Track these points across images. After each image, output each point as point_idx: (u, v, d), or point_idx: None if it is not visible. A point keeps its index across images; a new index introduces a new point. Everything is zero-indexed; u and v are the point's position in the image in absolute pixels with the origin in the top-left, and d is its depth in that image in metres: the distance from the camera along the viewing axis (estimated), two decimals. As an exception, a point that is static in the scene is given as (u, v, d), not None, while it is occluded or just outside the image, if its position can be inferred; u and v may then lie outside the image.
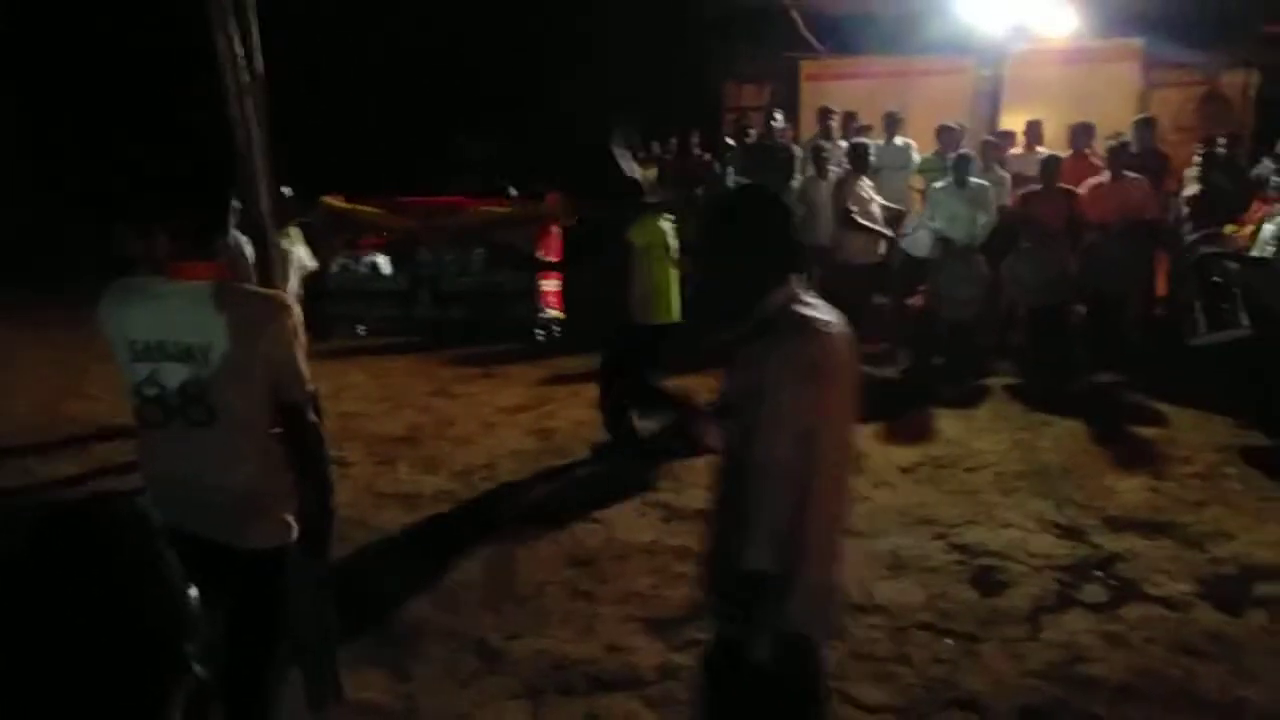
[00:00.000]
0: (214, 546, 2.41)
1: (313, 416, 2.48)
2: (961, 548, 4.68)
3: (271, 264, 2.78)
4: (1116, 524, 4.93)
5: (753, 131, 10.19)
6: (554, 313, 8.78)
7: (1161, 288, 8.53)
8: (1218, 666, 3.65)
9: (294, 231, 5.97)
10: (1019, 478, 5.58)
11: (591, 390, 6.37)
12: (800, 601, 2.08)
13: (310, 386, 2.46)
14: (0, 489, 5.43)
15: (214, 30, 2.63)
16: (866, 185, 7.80)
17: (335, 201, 8.71)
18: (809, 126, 10.61)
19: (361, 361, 8.34)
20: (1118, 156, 7.76)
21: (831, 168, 8.69)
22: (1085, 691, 3.50)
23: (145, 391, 2.37)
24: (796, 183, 9.27)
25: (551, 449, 6.20)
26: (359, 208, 8.90)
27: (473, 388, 7.65)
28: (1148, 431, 6.37)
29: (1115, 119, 9.34)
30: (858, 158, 7.84)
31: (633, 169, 8.65)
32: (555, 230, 8.79)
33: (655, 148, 10.65)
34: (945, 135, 8.91)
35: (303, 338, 2.41)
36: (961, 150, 8.26)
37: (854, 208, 7.63)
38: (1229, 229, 7.13)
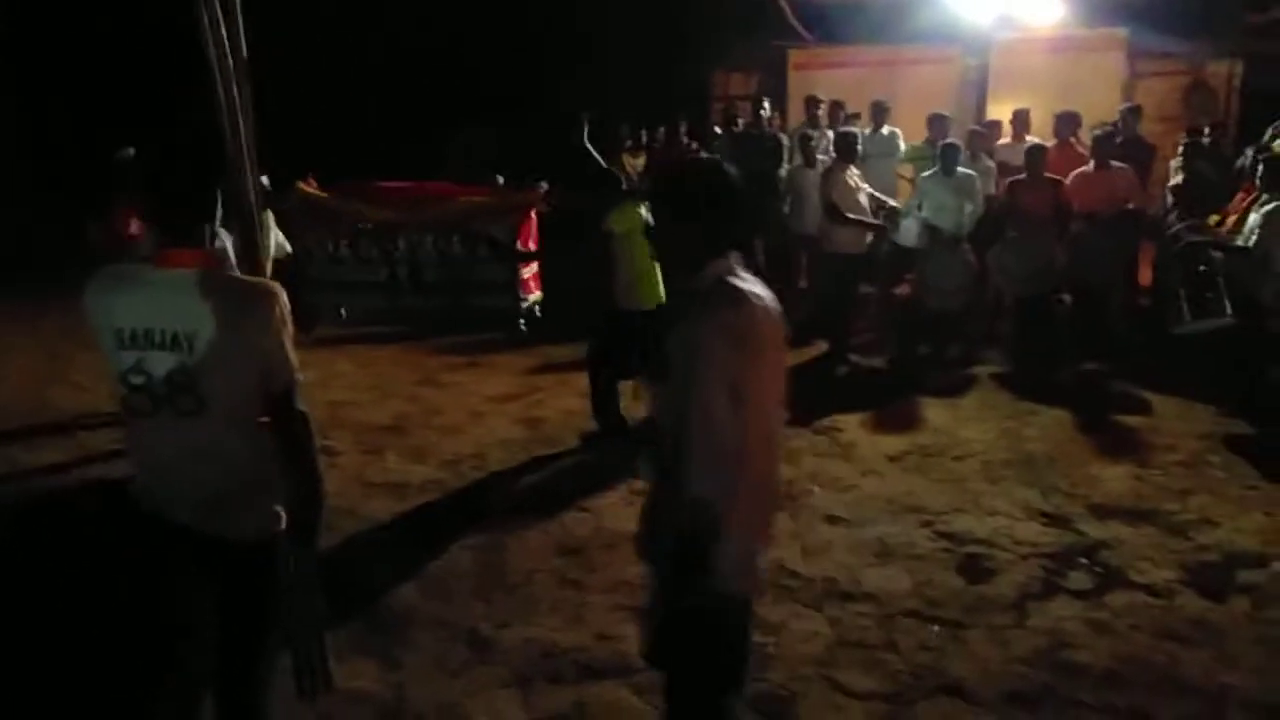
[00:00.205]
0: (204, 537, 2.40)
1: (301, 405, 2.47)
2: (948, 536, 4.71)
3: (258, 252, 2.76)
4: (1102, 512, 4.97)
5: (740, 120, 10.19)
6: (535, 296, 8.75)
7: (1146, 277, 8.58)
8: (1201, 652, 3.69)
9: (268, 218, 5.94)
10: (1005, 466, 5.61)
11: (579, 379, 6.37)
12: (729, 557, 2.21)
13: (298, 375, 2.44)
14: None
15: (199, 16, 2.61)
16: (854, 174, 7.80)
17: (310, 189, 8.59)
18: (797, 115, 10.62)
19: (348, 350, 8.30)
20: (1103, 146, 7.79)
21: (819, 156, 8.70)
22: (1070, 678, 3.53)
23: (132, 380, 2.35)
24: (784, 171, 9.30)
25: (540, 438, 6.20)
26: (335, 199, 8.75)
27: (460, 377, 7.64)
28: (1133, 420, 6.41)
29: (1100, 108, 9.39)
30: (845, 146, 7.84)
31: (598, 159, 8.65)
32: (533, 218, 8.75)
33: (644, 136, 10.64)
34: (936, 123, 8.92)
35: (290, 325, 2.40)
36: (949, 139, 8.28)
37: (840, 199, 7.62)
38: (1213, 218, 7.16)
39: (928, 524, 4.84)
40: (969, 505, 5.07)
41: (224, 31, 2.66)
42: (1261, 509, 4.99)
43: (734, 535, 2.22)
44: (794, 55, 11.96)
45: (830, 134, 8.95)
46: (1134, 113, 8.91)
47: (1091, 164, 7.78)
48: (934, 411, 6.65)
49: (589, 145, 8.90)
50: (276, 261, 5.96)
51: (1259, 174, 6.53)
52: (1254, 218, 6.30)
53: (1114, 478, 5.42)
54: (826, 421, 6.35)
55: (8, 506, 5.08)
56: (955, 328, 8.05)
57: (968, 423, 6.38)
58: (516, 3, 13.51)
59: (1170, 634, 3.82)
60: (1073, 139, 8.64)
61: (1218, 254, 6.41)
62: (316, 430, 2.51)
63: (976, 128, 9.23)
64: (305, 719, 3.14)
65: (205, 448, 2.36)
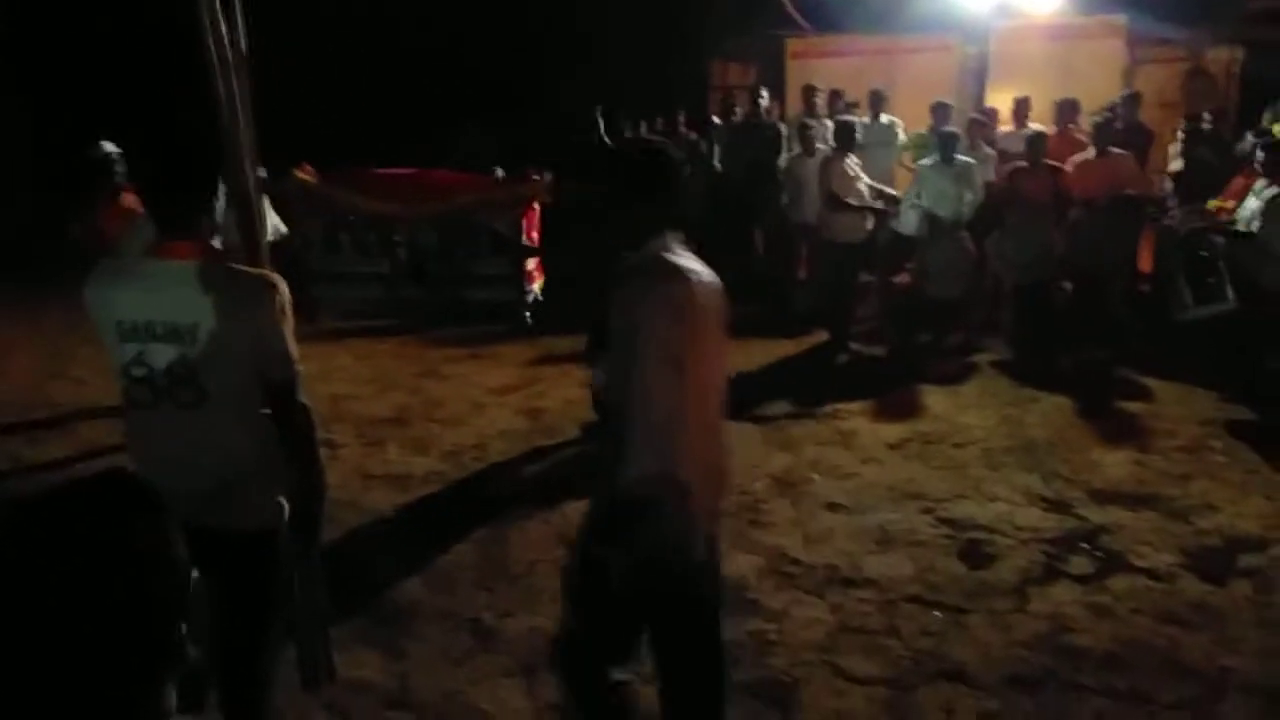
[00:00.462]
0: (205, 529, 2.40)
1: (302, 397, 2.47)
2: (949, 522, 4.72)
3: (258, 242, 2.76)
4: (1102, 497, 4.98)
5: (739, 110, 10.17)
6: (537, 285, 8.73)
7: (1147, 263, 8.58)
8: (1202, 636, 3.70)
9: (264, 202, 5.93)
10: (1006, 452, 5.62)
11: (580, 370, 6.37)
12: (672, 521, 2.27)
13: (299, 367, 2.45)
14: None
15: (199, 13, 2.61)
16: (853, 163, 7.79)
17: (307, 177, 8.53)
18: (795, 105, 10.60)
19: (348, 343, 8.31)
20: (1103, 132, 7.78)
21: (818, 145, 8.69)
22: (1072, 661, 3.54)
23: (133, 372, 2.35)
24: (783, 161, 9.29)
25: (541, 429, 6.20)
26: (331, 185, 8.67)
27: (461, 368, 7.64)
28: (1133, 406, 6.42)
29: (1100, 95, 9.36)
30: (844, 135, 7.83)
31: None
32: (536, 210, 8.73)
33: (643, 127, 10.62)
34: (939, 111, 8.92)
35: (291, 317, 2.40)
36: (948, 128, 8.27)
37: (839, 188, 7.62)
38: (1212, 204, 7.16)
39: (929, 510, 4.85)
40: (970, 491, 5.08)
41: (224, 28, 2.66)
42: (1262, 493, 5.00)
43: (675, 505, 2.26)
44: (792, 44, 11.91)
45: (829, 123, 8.94)
46: (1132, 99, 8.90)
47: (1092, 150, 7.78)
48: (934, 399, 6.65)
49: (607, 139, 8.89)
50: (273, 244, 5.94)
51: (1259, 159, 6.53)
52: (1254, 203, 6.30)
53: (1115, 463, 5.43)
54: (827, 409, 6.36)
55: (10, 501, 5.09)
56: (955, 315, 8.05)
57: (968, 410, 6.39)
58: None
59: (1171, 618, 3.83)
60: (1072, 126, 8.62)
61: (1219, 239, 6.41)
62: (318, 423, 2.52)
63: (976, 115, 9.22)
64: (310, 710, 3.16)
65: (206, 440, 2.36)
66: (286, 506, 2.50)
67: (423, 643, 3.73)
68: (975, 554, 4.40)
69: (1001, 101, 9.84)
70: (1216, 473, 5.28)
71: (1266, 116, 7.71)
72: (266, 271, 2.50)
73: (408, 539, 4.67)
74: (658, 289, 2.29)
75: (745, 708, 3.26)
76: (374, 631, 3.77)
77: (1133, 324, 8.00)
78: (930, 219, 7.86)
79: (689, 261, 2.38)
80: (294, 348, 2.41)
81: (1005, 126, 9.25)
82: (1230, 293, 6.29)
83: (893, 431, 6.00)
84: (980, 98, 10.72)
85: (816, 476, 5.30)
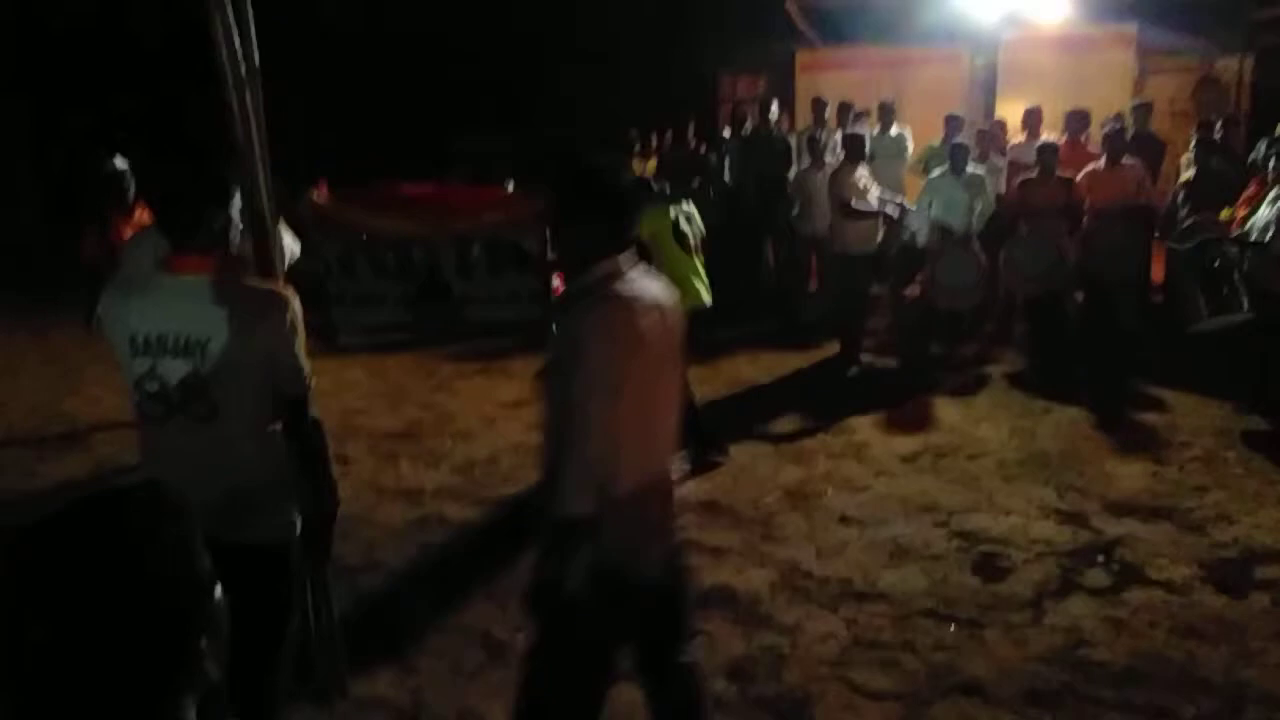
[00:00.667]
0: (217, 543, 2.40)
1: (314, 411, 2.47)
2: (963, 535, 4.69)
3: (272, 257, 2.77)
4: (1117, 509, 4.94)
5: (749, 123, 10.19)
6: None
7: (1159, 273, 8.54)
8: (1220, 649, 3.66)
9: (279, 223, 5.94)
10: (1019, 465, 5.59)
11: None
12: (610, 541, 2.27)
13: (311, 381, 2.45)
14: (3, 489, 5.44)
15: (211, 23, 2.63)
16: (863, 174, 7.78)
17: (321, 199, 8.53)
18: (805, 117, 10.61)
19: (361, 358, 8.32)
20: (1114, 142, 7.75)
21: (827, 158, 8.68)
22: (1088, 675, 3.51)
23: (146, 387, 2.36)
24: (793, 173, 9.29)
25: (552, 442, 6.18)
26: (347, 209, 8.67)
27: (473, 383, 7.65)
28: (1147, 417, 6.38)
29: (1110, 105, 9.35)
30: (854, 147, 7.82)
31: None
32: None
33: (653, 140, 10.66)
34: (952, 124, 8.91)
35: (303, 331, 2.40)
36: (958, 139, 8.26)
37: (851, 197, 7.60)
38: (1225, 213, 7.12)
39: (942, 523, 4.82)
40: (984, 504, 5.05)
41: (236, 40, 2.68)
42: (1279, 505, 4.95)
43: (611, 522, 2.25)
44: (801, 57, 11.94)
45: (838, 135, 8.95)
46: (1143, 109, 8.88)
47: (1103, 160, 7.75)
48: (947, 411, 6.62)
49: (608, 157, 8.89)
50: (291, 269, 5.94)
51: (1271, 167, 6.49)
52: (1267, 211, 6.25)
53: (1130, 475, 5.39)
54: (839, 422, 6.33)
55: (26, 516, 5.11)
56: (967, 327, 8.02)
57: (981, 422, 6.36)
58: (522, 7, 13.56)
59: (1189, 631, 3.79)
60: (1082, 137, 8.60)
61: (1234, 249, 6.37)
62: (329, 437, 2.52)
63: (985, 128, 9.22)
64: (322, 724, 3.15)
65: (218, 454, 2.37)
66: (298, 521, 2.49)
67: (435, 657, 3.71)
68: (990, 567, 4.37)
69: (1011, 112, 9.83)
70: (1232, 484, 5.24)
71: (1280, 128, 7.68)
72: (278, 286, 2.51)
73: (419, 553, 4.66)
74: (594, 315, 2.27)
75: (759, 723, 3.24)
76: (386, 646, 3.76)
77: (1146, 334, 7.96)
78: (941, 230, 7.85)
79: (636, 285, 2.34)
80: (306, 362, 2.42)
81: (1016, 137, 9.24)
82: (1245, 302, 6.23)
83: (905, 444, 5.97)
84: (989, 109, 10.71)
85: (829, 490, 5.28)
